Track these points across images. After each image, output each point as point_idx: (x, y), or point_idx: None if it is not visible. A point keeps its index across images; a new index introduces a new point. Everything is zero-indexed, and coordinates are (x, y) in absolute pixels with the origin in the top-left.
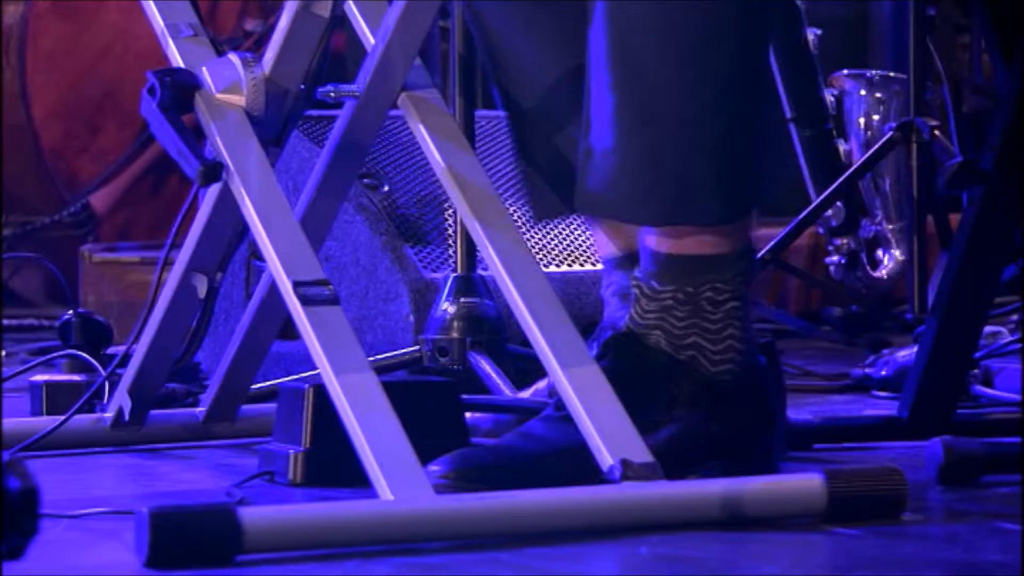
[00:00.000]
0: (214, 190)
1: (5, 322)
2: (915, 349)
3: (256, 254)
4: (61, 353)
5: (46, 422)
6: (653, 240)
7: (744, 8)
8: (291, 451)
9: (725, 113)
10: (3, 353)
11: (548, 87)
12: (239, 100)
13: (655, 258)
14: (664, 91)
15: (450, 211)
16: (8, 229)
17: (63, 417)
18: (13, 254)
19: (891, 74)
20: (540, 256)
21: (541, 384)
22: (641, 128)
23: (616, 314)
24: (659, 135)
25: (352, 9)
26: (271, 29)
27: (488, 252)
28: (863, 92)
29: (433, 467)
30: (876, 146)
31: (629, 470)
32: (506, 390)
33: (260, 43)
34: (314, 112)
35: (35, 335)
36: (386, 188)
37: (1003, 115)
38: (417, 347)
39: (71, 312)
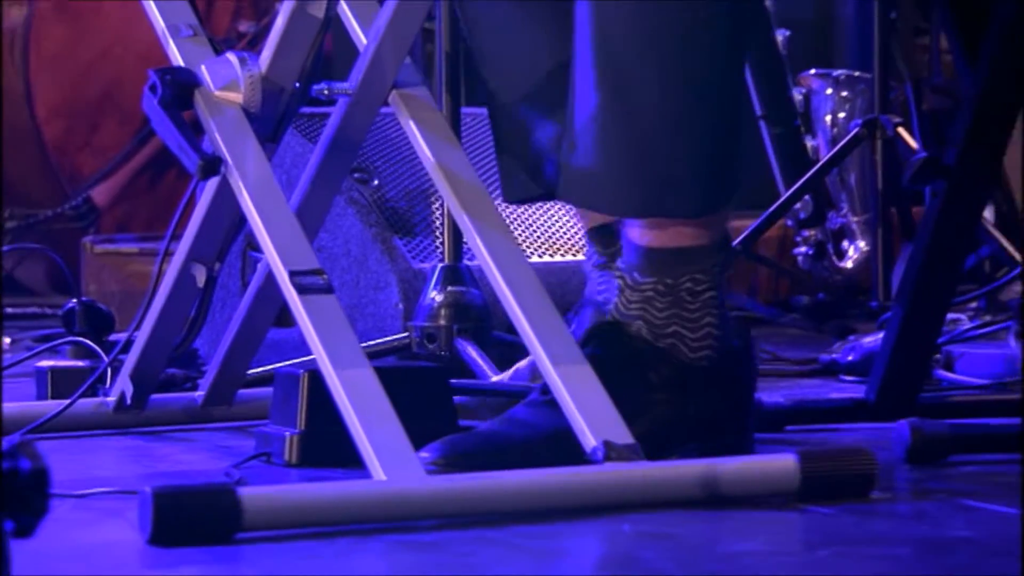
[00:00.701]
0: (213, 184)
1: (10, 310)
2: (880, 335)
3: (252, 245)
4: (65, 340)
5: (51, 406)
6: (636, 233)
7: (725, 9)
8: (287, 433)
9: (704, 111)
10: (8, 340)
11: (534, 79)
12: (237, 97)
13: (637, 251)
14: (646, 91)
15: (437, 204)
16: (13, 221)
17: (68, 401)
18: (18, 245)
19: (856, 74)
20: (524, 247)
21: (522, 363)
22: (624, 126)
23: (597, 287)
24: (641, 133)
25: (345, 10)
26: (264, 30)
27: (476, 242)
28: (830, 91)
29: (423, 453)
30: (842, 142)
31: (612, 451)
32: (491, 375)
33: (253, 43)
34: (306, 109)
35: (39, 322)
36: (376, 182)
37: (966, 113)
38: (406, 334)
39: (75, 301)
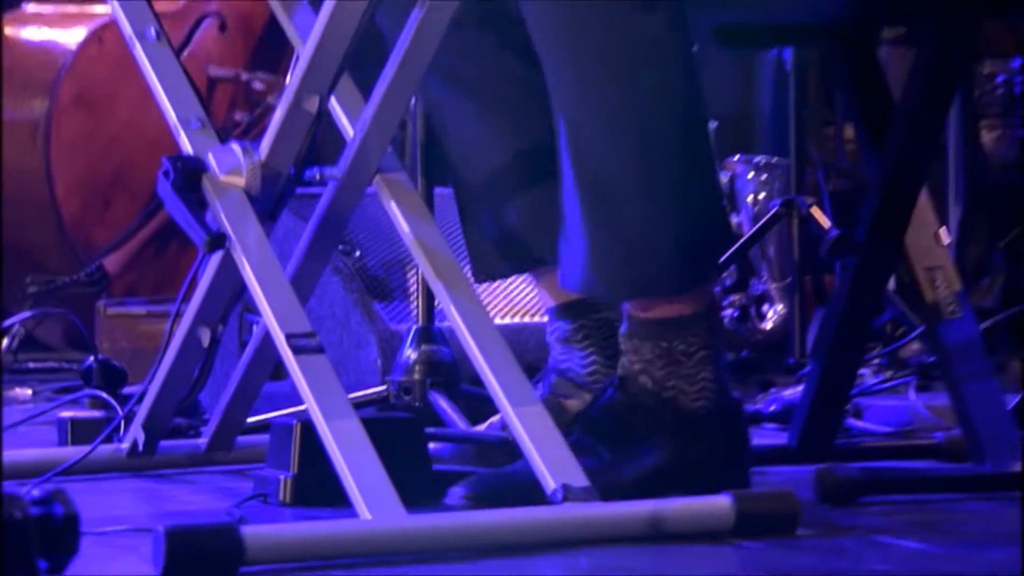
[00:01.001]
0: (217, 256)
1: (31, 365)
2: (798, 388)
3: (247, 308)
4: (84, 393)
5: (72, 452)
6: (631, 308)
7: (688, 98)
8: (282, 476)
9: (679, 205)
10: (29, 392)
11: (495, 167)
12: (239, 181)
13: (634, 322)
14: (625, 194)
15: (412, 272)
16: (34, 287)
17: (88, 448)
18: (42, 310)
19: (774, 160)
20: (489, 310)
21: (495, 418)
22: (606, 229)
23: (559, 358)
24: (622, 233)
25: (335, 105)
26: (257, 119)
27: (448, 307)
28: (751, 175)
29: (456, 488)
30: (763, 220)
31: (569, 493)
32: (460, 424)
33: (247, 131)
34: (298, 190)
35: (57, 376)
36: (357, 253)
37: (873, 196)
38: (384, 387)
39: (92, 358)
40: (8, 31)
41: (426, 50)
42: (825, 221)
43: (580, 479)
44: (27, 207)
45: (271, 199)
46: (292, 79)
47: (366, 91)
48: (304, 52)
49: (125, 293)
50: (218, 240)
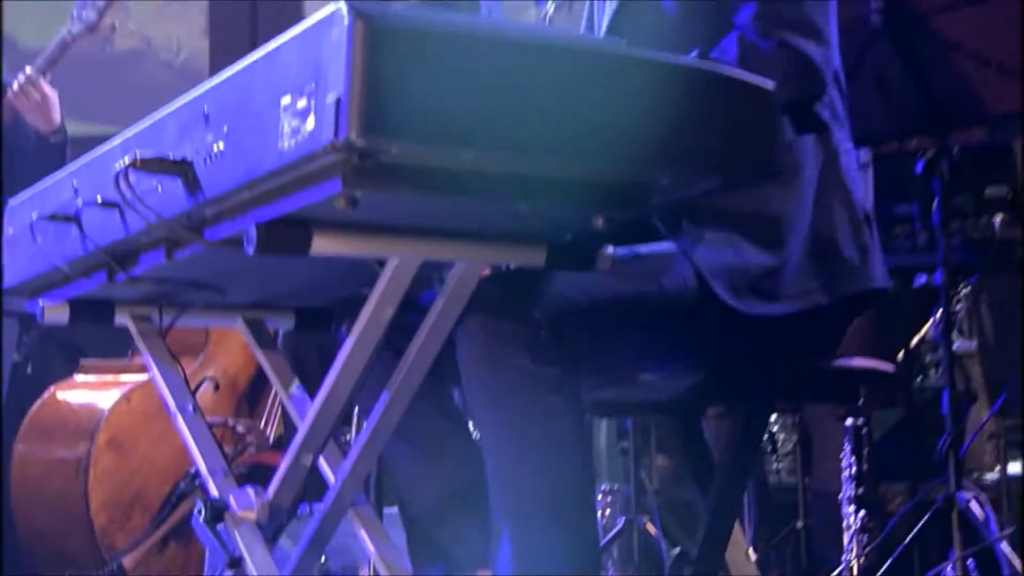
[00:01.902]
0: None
1: None
2: None
3: None
4: None
5: None
6: None
7: (581, 453)
8: None
9: (577, 536)
10: None
11: (427, 498)
12: (252, 516)
13: None
14: (537, 526)
15: (363, 572)
16: None
17: None
18: None
19: (616, 486)
20: None
21: None
22: (526, 555)
23: None
24: (540, 557)
25: (322, 463)
26: (239, 453)
27: None
28: (599, 498)
29: None
30: (612, 534)
31: None
32: None
33: (230, 462)
34: None
35: None
36: (323, 559)
37: (703, 526)
38: None
39: None
40: (60, 394)
41: (382, 439)
42: (654, 529)
43: None
44: (68, 521)
45: (274, 527)
46: (293, 443)
47: (344, 448)
48: (303, 426)
49: None
50: (236, 561)
